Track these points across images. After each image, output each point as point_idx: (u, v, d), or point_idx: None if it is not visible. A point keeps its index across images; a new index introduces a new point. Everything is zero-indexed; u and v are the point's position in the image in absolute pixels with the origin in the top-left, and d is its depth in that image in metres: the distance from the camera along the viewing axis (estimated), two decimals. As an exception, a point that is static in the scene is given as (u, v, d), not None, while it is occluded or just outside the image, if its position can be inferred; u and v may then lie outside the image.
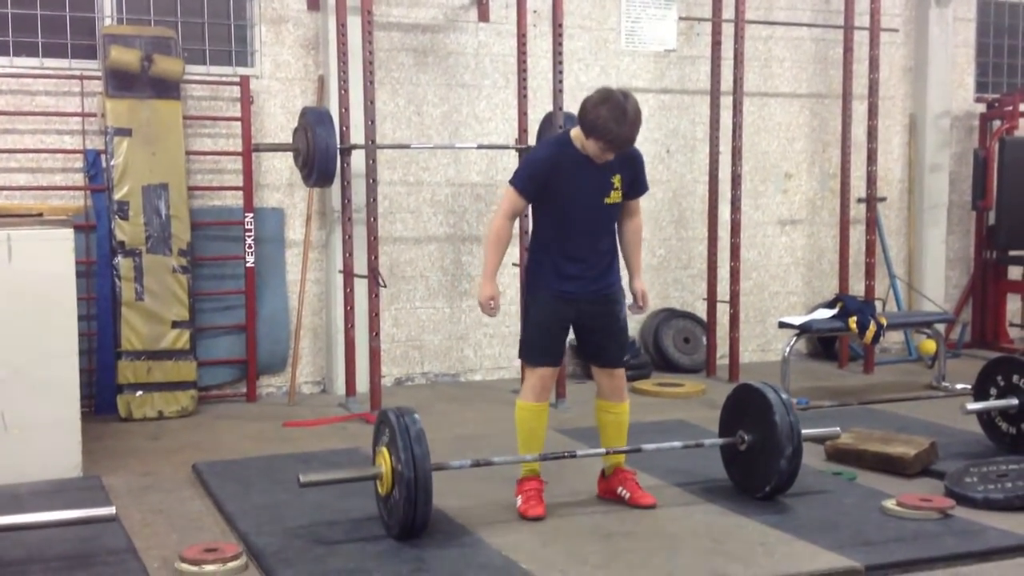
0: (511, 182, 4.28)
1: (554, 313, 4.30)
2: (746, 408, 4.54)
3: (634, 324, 7.61)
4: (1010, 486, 4.40)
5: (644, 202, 7.51)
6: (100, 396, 6.22)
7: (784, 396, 4.46)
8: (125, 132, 6.20)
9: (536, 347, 4.35)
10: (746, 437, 4.47)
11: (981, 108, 8.68)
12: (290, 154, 6.46)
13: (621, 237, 4.45)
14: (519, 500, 4.31)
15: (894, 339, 8.31)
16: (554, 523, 4.21)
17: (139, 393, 6.17)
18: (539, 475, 4.37)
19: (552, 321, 4.31)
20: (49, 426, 4.77)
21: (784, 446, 4.32)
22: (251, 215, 6.57)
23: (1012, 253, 8.39)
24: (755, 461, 4.46)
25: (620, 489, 4.43)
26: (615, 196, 4.29)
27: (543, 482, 4.37)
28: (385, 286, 6.26)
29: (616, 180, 4.27)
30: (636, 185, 4.37)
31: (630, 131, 4.08)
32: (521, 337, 4.50)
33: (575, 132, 4.23)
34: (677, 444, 4.57)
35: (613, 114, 4.04)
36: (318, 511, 4.29)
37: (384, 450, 3.99)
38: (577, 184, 4.21)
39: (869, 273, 7.71)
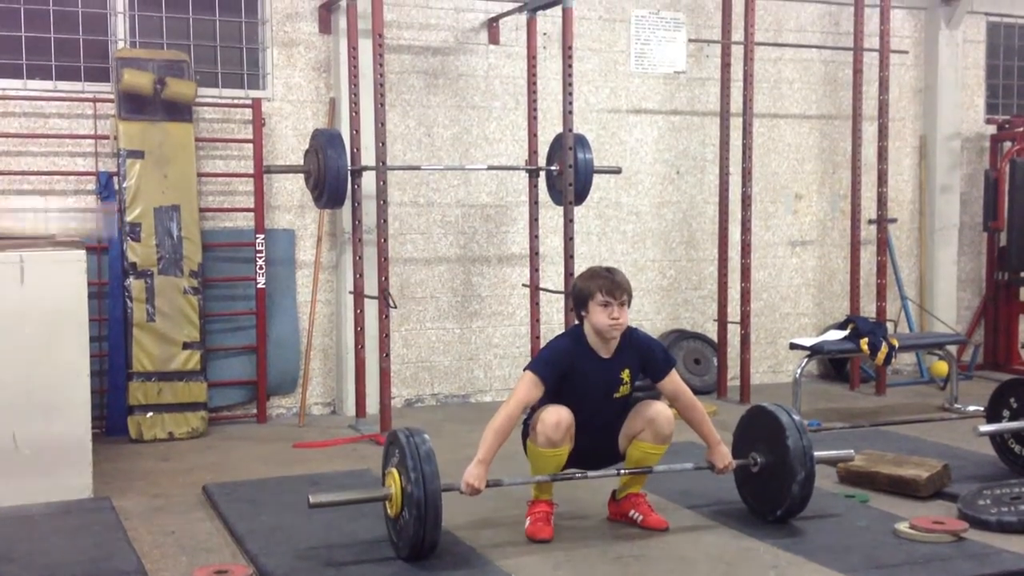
0: (528, 367, 4.19)
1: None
2: (759, 430, 4.52)
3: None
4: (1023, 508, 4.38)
5: (654, 223, 7.69)
6: (111, 417, 6.22)
7: (797, 418, 4.44)
8: (137, 154, 6.24)
9: (543, 404, 4.22)
10: (759, 459, 4.45)
11: (992, 129, 8.67)
12: (301, 176, 6.49)
13: (681, 415, 4.44)
14: (527, 522, 4.30)
15: (906, 361, 8.28)
16: (564, 546, 4.19)
17: (149, 414, 6.17)
18: (550, 499, 4.35)
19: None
20: (60, 447, 4.78)
21: (797, 471, 4.29)
22: (262, 236, 6.60)
23: (1024, 274, 8.37)
24: (768, 484, 4.43)
25: (632, 512, 4.41)
26: (624, 390, 4.31)
27: (553, 505, 4.35)
28: (395, 307, 6.27)
29: (625, 375, 4.29)
30: (655, 364, 4.33)
31: (619, 275, 4.21)
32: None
33: (585, 327, 4.24)
34: (689, 465, 4.55)
35: (597, 271, 4.26)
36: (328, 532, 4.28)
37: (394, 471, 3.98)
38: (589, 380, 4.24)
39: (880, 294, 7.69)
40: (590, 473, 4.39)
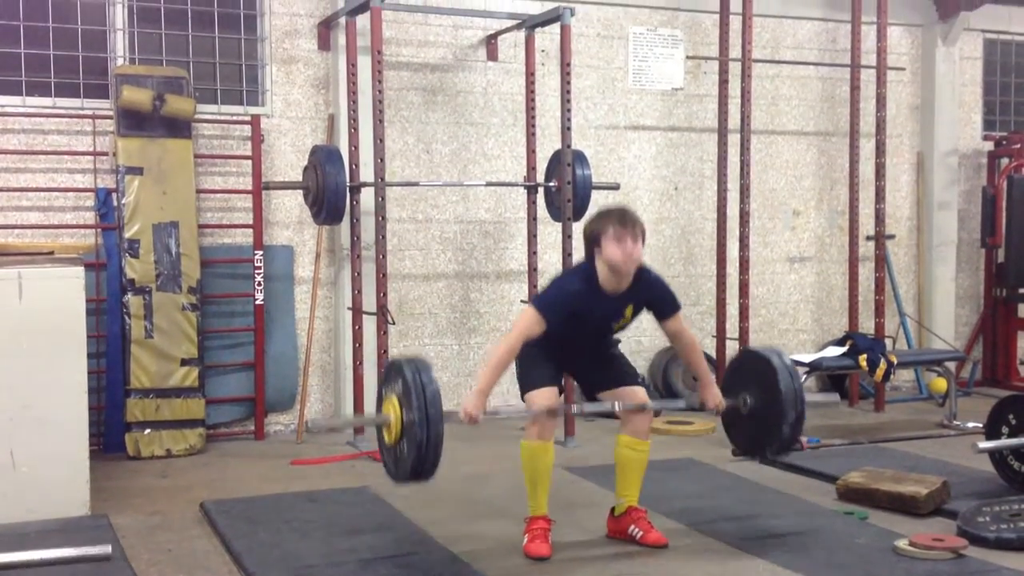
0: (534, 304, 4.26)
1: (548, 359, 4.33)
2: (750, 373, 4.52)
3: (643, 362, 7.60)
4: (1023, 526, 4.36)
5: (652, 239, 7.65)
6: (109, 434, 6.20)
7: (788, 361, 4.44)
8: (136, 171, 6.24)
9: (532, 373, 4.32)
10: (749, 400, 4.45)
11: (989, 146, 8.69)
12: (300, 192, 6.49)
13: (679, 354, 4.59)
14: (525, 539, 4.29)
15: (905, 377, 8.28)
16: (563, 564, 4.18)
17: (147, 431, 6.16)
18: (547, 515, 4.34)
19: (548, 360, 4.32)
20: (57, 464, 4.77)
21: (788, 412, 4.31)
22: (261, 253, 6.60)
23: (1022, 291, 8.36)
24: (758, 425, 4.44)
25: (632, 528, 4.40)
26: (622, 323, 4.38)
27: (551, 521, 4.34)
28: (394, 323, 6.26)
29: (628, 311, 4.34)
30: (663, 305, 4.41)
31: (630, 211, 4.29)
32: (518, 379, 4.43)
33: (597, 265, 4.25)
34: (680, 404, 4.82)
35: (608, 209, 4.33)
36: (326, 550, 4.27)
37: (394, 399, 3.94)
38: (591, 314, 4.27)
39: (879, 311, 7.70)
40: (586, 408, 4.39)
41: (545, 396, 4.28)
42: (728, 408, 4.51)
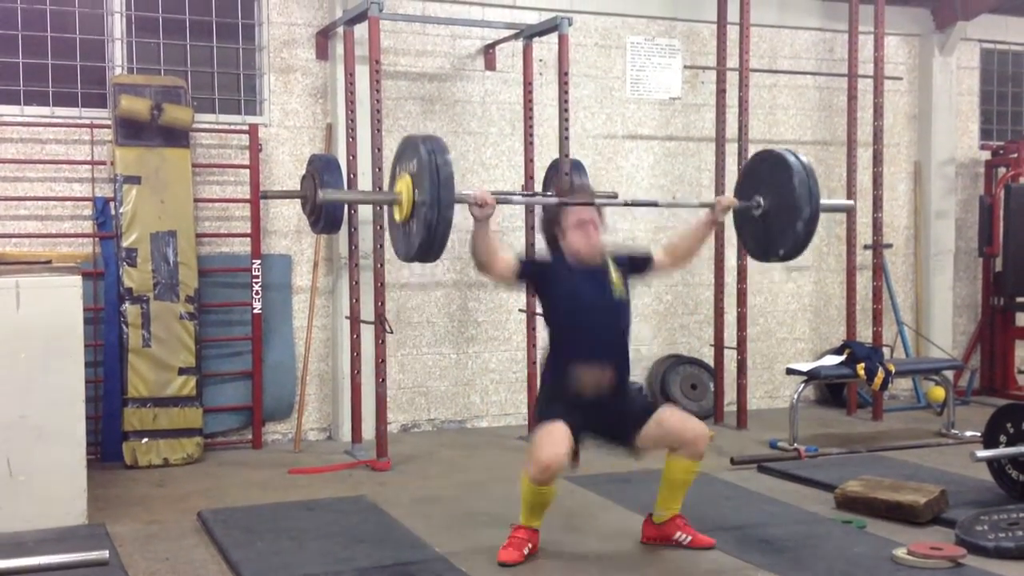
0: None
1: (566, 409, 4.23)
2: (764, 174, 4.44)
3: (641, 371, 7.59)
4: (1021, 534, 4.36)
5: (650, 248, 7.66)
6: (106, 443, 6.19)
7: (805, 161, 4.36)
8: (134, 180, 6.24)
9: (546, 409, 4.25)
10: (763, 201, 4.36)
11: (986, 155, 8.71)
12: (298, 201, 6.50)
13: (683, 246, 4.60)
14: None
15: (902, 386, 8.28)
16: (561, 575, 4.17)
17: (145, 440, 6.15)
18: (538, 530, 4.30)
19: (564, 401, 4.23)
20: (55, 473, 4.76)
21: (802, 209, 4.24)
22: (258, 262, 6.60)
23: (1020, 299, 8.37)
24: (771, 224, 4.36)
25: (679, 534, 4.39)
26: (619, 291, 4.30)
27: (537, 534, 4.29)
28: (392, 332, 6.26)
29: (612, 272, 4.31)
30: (642, 258, 4.51)
31: (583, 188, 4.46)
32: (535, 416, 4.38)
33: (562, 245, 4.31)
34: (694, 201, 4.90)
35: (562, 191, 4.50)
36: (323, 560, 4.26)
37: (408, 179, 3.88)
38: (577, 280, 4.26)
39: (876, 319, 7.70)
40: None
41: (554, 436, 4.10)
42: (740, 208, 4.41)
